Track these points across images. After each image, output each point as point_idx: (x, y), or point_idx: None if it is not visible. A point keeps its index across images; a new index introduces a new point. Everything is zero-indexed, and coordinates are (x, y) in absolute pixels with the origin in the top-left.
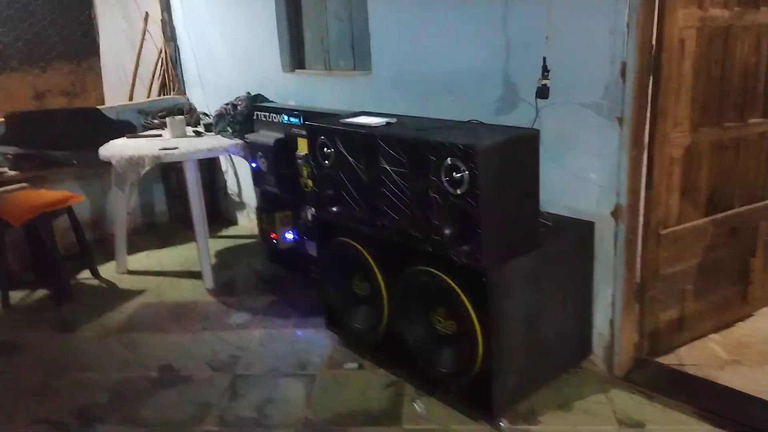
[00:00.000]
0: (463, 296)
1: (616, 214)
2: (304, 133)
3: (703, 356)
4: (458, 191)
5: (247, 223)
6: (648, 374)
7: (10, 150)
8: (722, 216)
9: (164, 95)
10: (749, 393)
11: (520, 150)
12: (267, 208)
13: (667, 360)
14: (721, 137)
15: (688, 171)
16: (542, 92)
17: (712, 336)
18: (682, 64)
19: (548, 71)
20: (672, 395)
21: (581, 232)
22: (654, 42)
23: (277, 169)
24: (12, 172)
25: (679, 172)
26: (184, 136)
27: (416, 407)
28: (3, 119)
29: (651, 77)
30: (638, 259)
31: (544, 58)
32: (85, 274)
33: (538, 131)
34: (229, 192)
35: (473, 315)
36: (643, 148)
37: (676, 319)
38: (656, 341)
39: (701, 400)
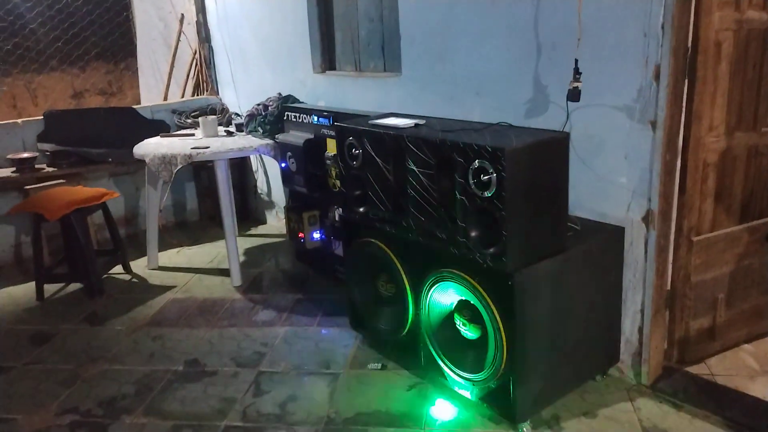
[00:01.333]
0: (488, 299)
1: (647, 219)
2: (333, 133)
3: (734, 366)
4: (485, 194)
5: (275, 222)
6: (676, 383)
7: (49, 147)
8: (757, 223)
9: (197, 95)
10: None
11: (549, 153)
12: (295, 207)
13: (697, 369)
14: (757, 142)
15: (722, 176)
16: (573, 95)
17: (744, 346)
18: (718, 67)
19: (580, 73)
20: (700, 405)
21: (611, 236)
22: (689, 44)
23: (306, 169)
24: (50, 169)
25: (713, 177)
26: (216, 135)
27: (438, 408)
28: (42, 117)
29: (686, 80)
30: (669, 266)
31: (576, 60)
32: (117, 269)
33: (567, 134)
34: (259, 191)
35: (498, 318)
36: (676, 153)
37: (707, 327)
38: (686, 350)
39: (730, 411)
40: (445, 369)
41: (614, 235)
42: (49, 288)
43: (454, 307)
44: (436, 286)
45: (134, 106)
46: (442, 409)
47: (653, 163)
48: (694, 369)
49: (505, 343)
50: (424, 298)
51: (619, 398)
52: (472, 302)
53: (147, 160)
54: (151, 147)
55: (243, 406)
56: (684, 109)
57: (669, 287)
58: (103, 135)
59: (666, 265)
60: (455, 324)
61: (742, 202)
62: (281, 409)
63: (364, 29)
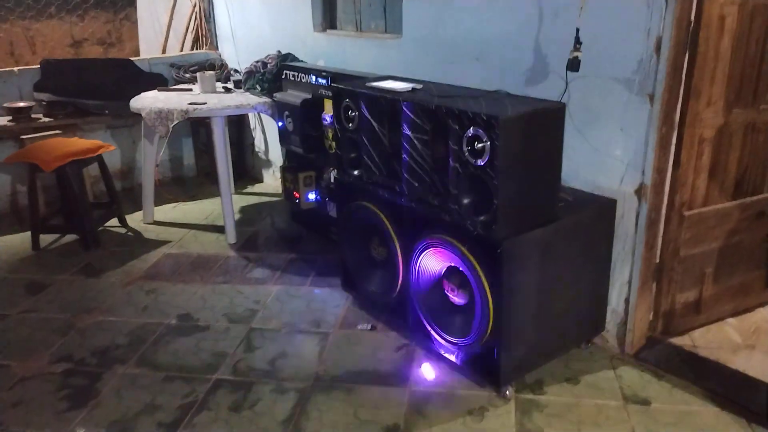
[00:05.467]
0: (477, 266)
1: (639, 192)
2: (330, 94)
3: (717, 339)
4: (478, 161)
5: (272, 181)
6: (659, 354)
7: (45, 96)
8: (750, 200)
9: (196, 50)
10: (759, 378)
11: (545, 123)
12: (291, 167)
13: (680, 341)
14: (755, 119)
15: (718, 152)
16: (573, 64)
17: (729, 320)
18: (720, 42)
19: (580, 43)
20: (681, 375)
21: (602, 208)
22: (693, 17)
23: (302, 129)
24: (46, 119)
25: (708, 152)
26: (214, 91)
27: (424, 370)
28: (39, 66)
29: (687, 54)
30: (659, 240)
31: (578, 29)
32: (112, 222)
33: (564, 105)
34: (256, 150)
35: (486, 285)
36: (672, 127)
37: (693, 301)
38: (671, 322)
39: (710, 382)
40: (432, 332)
41: (606, 207)
42: (45, 238)
43: (443, 272)
44: (426, 250)
45: (132, 58)
46: (428, 371)
47: (649, 137)
48: (677, 341)
49: (491, 310)
50: (415, 262)
51: (602, 366)
52: (461, 268)
53: (143, 114)
54: (147, 101)
55: (234, 361)
56: (683, 83)
57: (657, 260)
58: (101, 86)
59: (656, 238)
60: (444, 289)
61: (736, 178)
62: (271, 365)
63: None
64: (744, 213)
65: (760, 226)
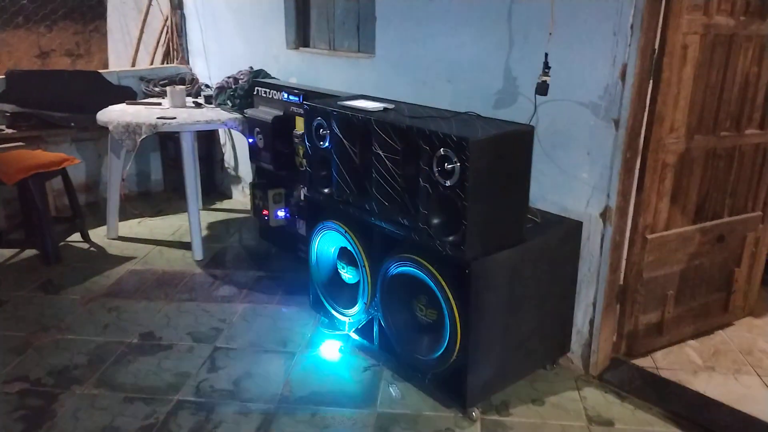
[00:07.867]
0: (445, 286)
1: (604, 215)
2: (302, 112)
3: (679, 361)
4: (448, 182)
5: (241, 197)
6: (622, 375)
7: (9, 108)
8: (710, 224)
9: (167, 64)
10: (718, 400)
11: (514, 145)
12: (261, 184)
13: (643, 362)
14: (715, 146)
15: (680, 177)
16: (542, 89)
17: (690, 342)
18: (683, 70)
19: (549, 68)
20: (643, 397)
21: (568, 230)
22: (657, 45)
23: (273, 146)
24: (9, 130)
25: (671, 177)
26: (184, 106)
27: (392, 392)
28: (3, 76)
29: (651, 81)
30: (623, 262)
31: (546, 54)
32: (75, 237)
33: (533, 128)
34: (226, 165)
35: (454, 305)
36: (637, 152)
37: (655, 323)
38: (634, 343)
39: (671, 404)
40: (400, 352)
41: (572, 229)
42: (4, 253)
43: (412, 292)
44: (395, 270)
45: (101, 71)
46: (395, 392)
47: (614, 161)
48: (640, 362)
49: (459, 330)
50: (383, 282)
51: (567, 387)
52: (430, 288)
53: (110, 128)
54: (115, 114)
55: (197, 381)
56: (647, 109)
57: (621, 282)
58: (67, 98)
59: (620, 260)
60: (412, 308)
61: (697, 203)
62: (235, 386)
63: (340, 7)
64: (705, 237)
65: (720, 249)
